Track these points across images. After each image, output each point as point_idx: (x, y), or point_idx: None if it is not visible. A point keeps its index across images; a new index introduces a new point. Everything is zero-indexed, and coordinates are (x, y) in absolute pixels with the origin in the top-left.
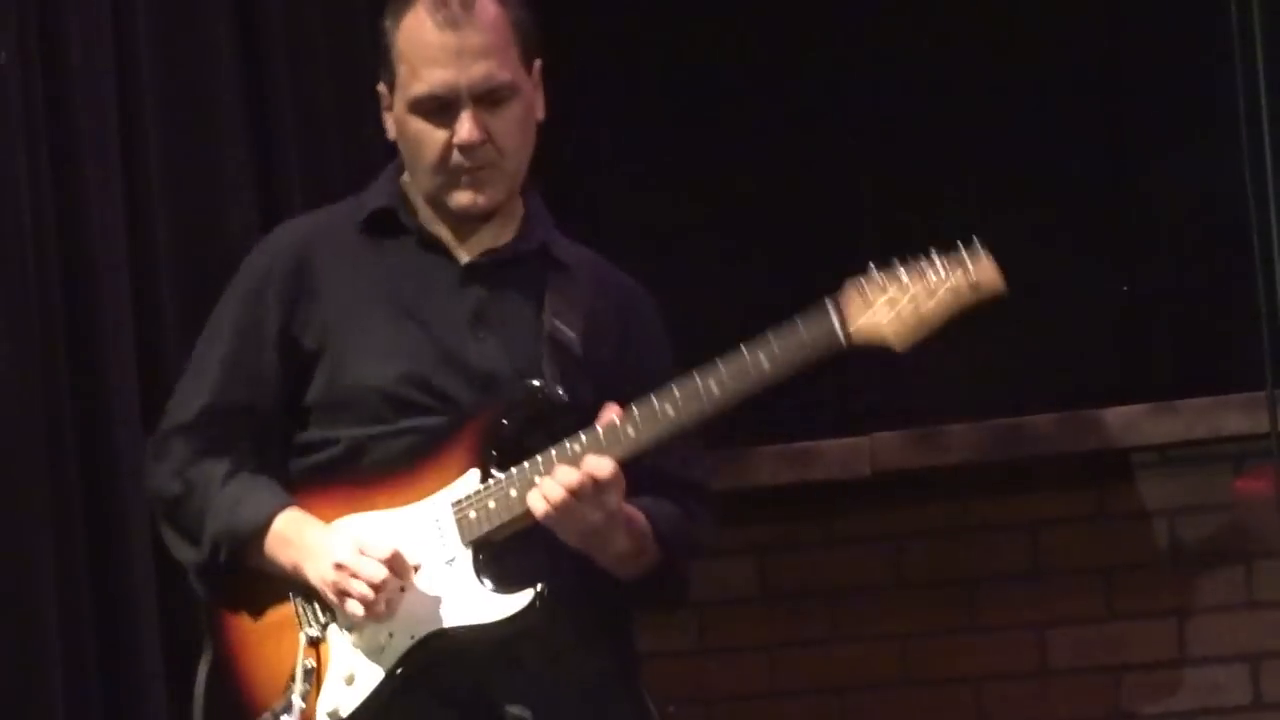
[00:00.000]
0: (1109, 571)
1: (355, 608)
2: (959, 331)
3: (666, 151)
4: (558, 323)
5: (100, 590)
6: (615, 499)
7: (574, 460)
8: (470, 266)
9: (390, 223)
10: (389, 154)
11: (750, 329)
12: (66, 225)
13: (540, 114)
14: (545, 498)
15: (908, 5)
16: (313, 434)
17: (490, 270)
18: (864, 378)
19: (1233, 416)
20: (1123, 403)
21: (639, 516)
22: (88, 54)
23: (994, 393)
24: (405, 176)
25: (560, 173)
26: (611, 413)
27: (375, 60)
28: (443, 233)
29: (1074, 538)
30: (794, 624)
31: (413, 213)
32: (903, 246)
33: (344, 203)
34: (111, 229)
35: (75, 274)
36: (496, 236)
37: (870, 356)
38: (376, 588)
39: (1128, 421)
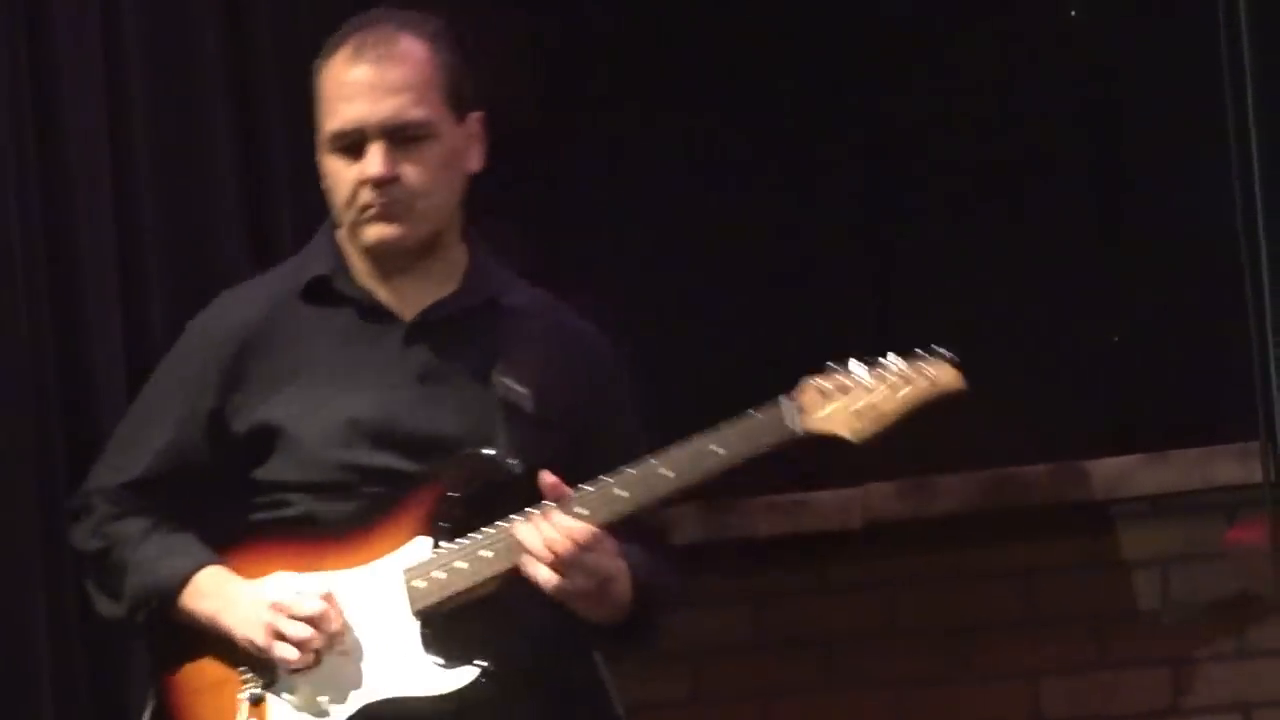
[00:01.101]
0: (1102, 621)
1: (287, 651)
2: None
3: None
4: (509, 381)
5: (90, 610)
6: (602, 562)
7: (554, 524)
8: (414, 326)
9: (329, 289)
10: None
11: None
12: (56, 255)
13: (474, 165)
14: (535, 547)
15: (887, 52)
16: (265, 495)
17: (435, 328)
18: None
19: (1225, 466)
20: (1115, 453)
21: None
22: (79, 84)
23: (986, 443)
24: (340, 231)
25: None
26: (554, 485)
27: None
28: (382, 292)
29: (1067, 587)
30: (788, 672)
31: (350, 273)
32: (889, 298)
33: (287, 265)
34: (102, 259)
35: (64, 304)
36: (440, 287)
37: None
38: (312, 622)
39: (1120, 472)
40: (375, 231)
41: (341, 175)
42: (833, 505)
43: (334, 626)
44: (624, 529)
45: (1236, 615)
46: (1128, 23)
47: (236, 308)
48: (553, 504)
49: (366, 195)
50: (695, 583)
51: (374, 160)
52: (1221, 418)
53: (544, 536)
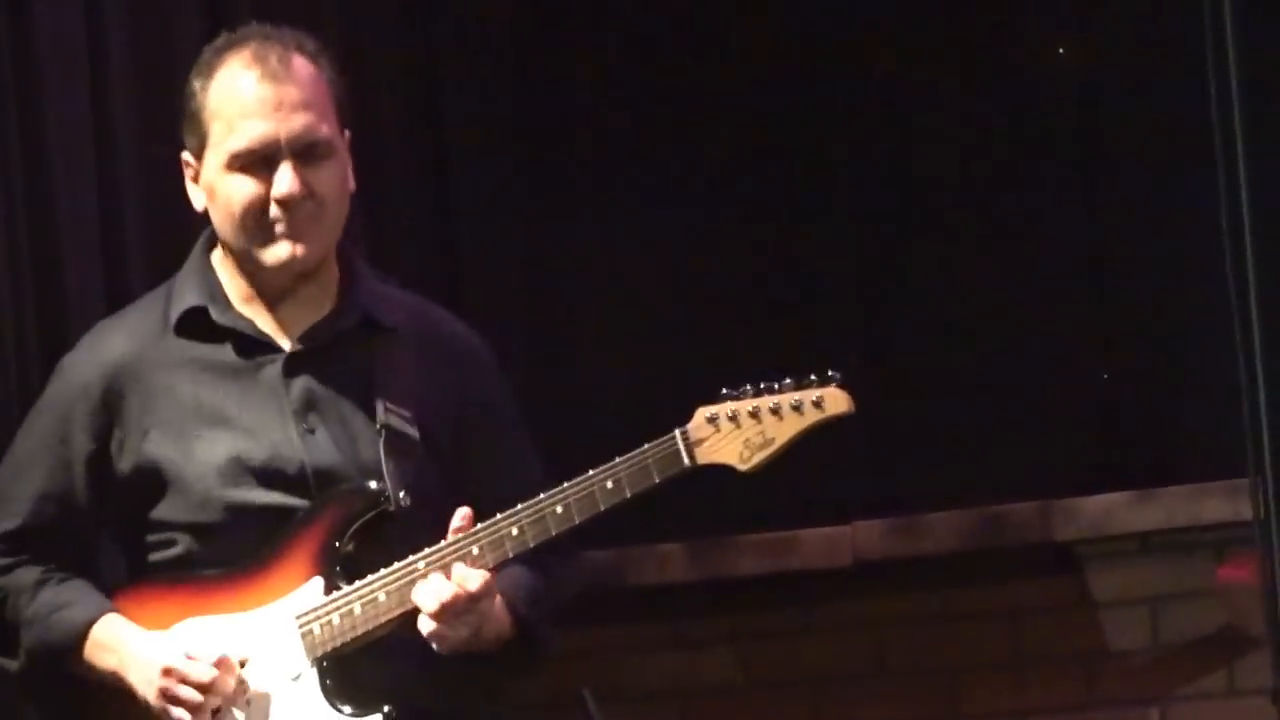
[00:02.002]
0: (1090, 659)
1: (182, 715)
2: (940, 421)
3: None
4: (390, 404)
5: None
6: (489, 605)
7: (444, 571)
8: (293, 356)
9: (205, 322)
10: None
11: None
12: (40, 258)
13: (351, 184)
14: (432, 611)
15: (877, 87)
16: (153, 535)
17: (314, 356)
18: (845, 467)
19: (1213, 504)
20: (1103, 491)
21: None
22: (60, 81)
23: (974, 481)
24: (215, 253)
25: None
26: (461, 520)
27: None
28: (260, 319)
29: (1055, 626)
30: (775, 713)
31: (225, 301)
32: (876, 336)
33: (157, 293)
34: (87, 263)
35: (49, 308)
36: (316, 309)
37: (851, 445)
38: (205, 689)
39: (1108, 510)
40: (283, 250)
41: (244, 193)
42: (821, 543)
43: (229, 688)
44: None
45: (1225, 654)
46: (1115, 61)
47: (106, 344)
48: (451, 546)
49: (274, 213)
50: (682, 623)
51: (287, 178)
52: (1210, 455)
53: (439, 597)
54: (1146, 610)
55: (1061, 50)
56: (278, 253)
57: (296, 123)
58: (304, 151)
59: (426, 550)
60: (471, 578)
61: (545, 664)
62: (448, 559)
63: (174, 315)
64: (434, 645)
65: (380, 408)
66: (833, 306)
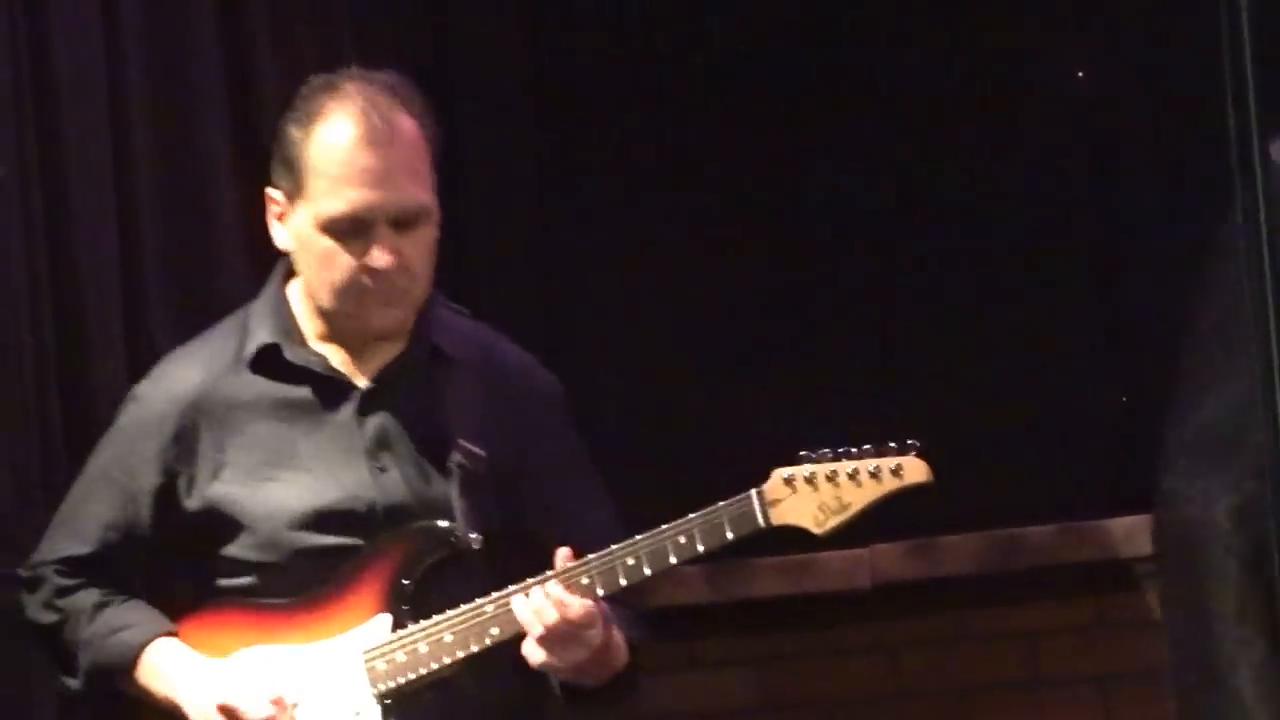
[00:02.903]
0: (1108, 682)
1: None
2: (958, 443)
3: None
4: (461, 441)
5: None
6: (596, 636)
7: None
8: (367, 394)
9: (279, 359)
10: None
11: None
12: (58, 275)
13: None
14: (538, 634)
15: (891, 115)
16: (222, 562)
17: (387, 393)
18: None
19: None
20: (1122, 513)
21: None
22: (78, 94)
23: (993, 504)
24: (292, 285)
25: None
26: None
27: None
28: (334, 355)
29: (1073, 648)
30: None
31: (300, 338)
32: (893, 359)
33: (231, 326)
34: (105, 279)
35: (67, 323)
36: (391, 345)
37: None
38: None
39: (1127, 532)
40: (374, 318)
41: (337, 260)
42: (839, 566)
43: None
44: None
45: None
46: (1133, 88)
47: (179, 377)
48: (519, 590)
49: (367, 281)
50: (700, 645)
51: (384, 250)
52: None
53: (544, 619)
54: (1163, 633)
55: (1080, 74)
56: (368, 319)
57: (398, 194)
58: (401, 221)
59: (494, 594)
60: (572, 604)
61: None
62: (509, 607)
63: (248, 352)
64: (535, 662)
65: (452, 445)
66: (848, 329)
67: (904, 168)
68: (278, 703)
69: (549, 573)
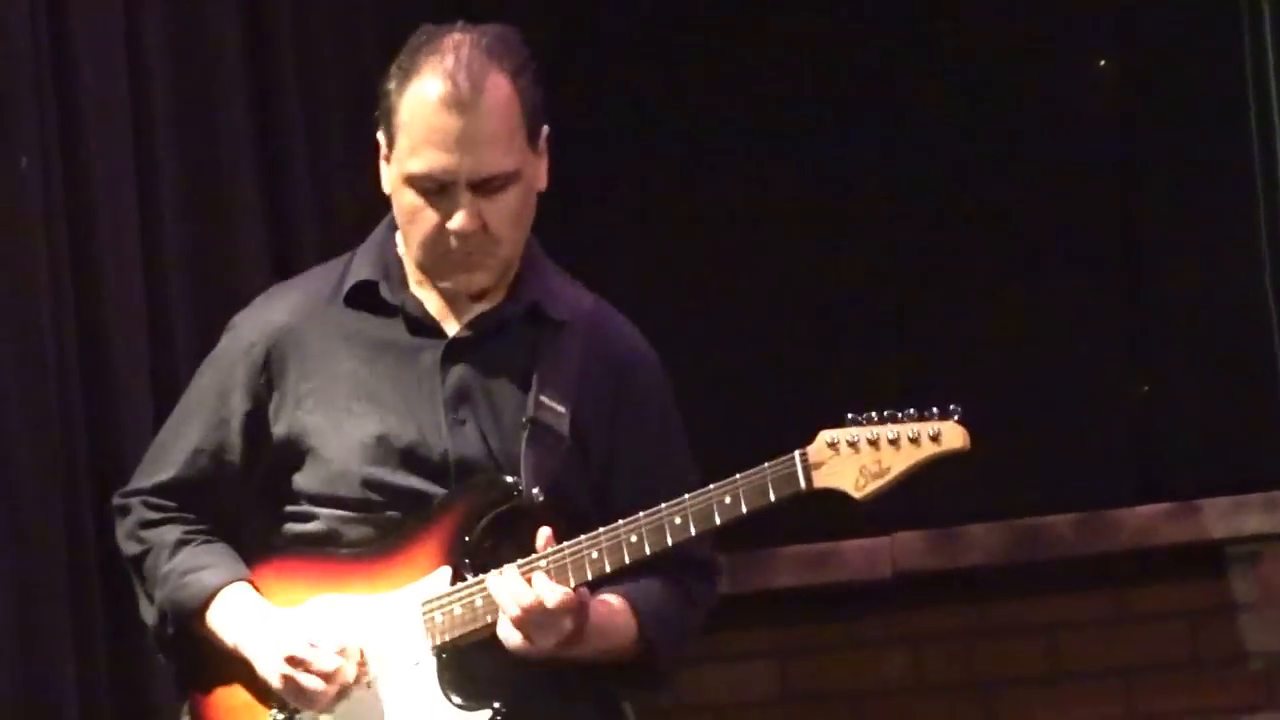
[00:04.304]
0: (1128, 673)
1: (302, 703)
2: (979, 433)
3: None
4: (544, 398)
5: (112, 621)
6: (569, 624)
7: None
8: (454, 343)
9: (375, 297)
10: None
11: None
12: (79, 265)
13: (542, 184)
14: (513, 615)
15: (918, 101)
16: (294, 507)
17: (476, 343)
18: None
19: (1252, 516)
20: (1142, 504)
21: (618, 612)
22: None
23: (1013, 494)
24: (400, 234)
25: None
26: (543, 540)
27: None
28: (431, 301)
29: (1093, 640)
30: None
31: (401, 279)
32: (913, 348)
33: (337, 263)
34: (126, 276)
35: (90, 326)
36: (489, 297)
37: None
38: (328, 678)
39: (1147, 523)
40: (454, 278)
41: (421, 216)
42: (860, 556)
43: (350, 677)
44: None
45: (1266, 668)
46: (1156, 75)
47: (275, 307)
48: (572, 548)
49: (450, 242)
50: (720, 637)
51: (463, 212)
52: (1249, 467)
53: (519, 601)
54: (1185, 624)
55: (1102, 63)
56: (449, 278)
57: (479, 159)
58: (482, 185)
59: (550, 549)
60: (550, 592)
61: (666, 684)
62: (566, 560)
63: (346, 285)
64: (508, 647)
65: (532, 401)
66: (870, 322)
67: (927, 155)
68: (343, 653)
69: (599, 533)
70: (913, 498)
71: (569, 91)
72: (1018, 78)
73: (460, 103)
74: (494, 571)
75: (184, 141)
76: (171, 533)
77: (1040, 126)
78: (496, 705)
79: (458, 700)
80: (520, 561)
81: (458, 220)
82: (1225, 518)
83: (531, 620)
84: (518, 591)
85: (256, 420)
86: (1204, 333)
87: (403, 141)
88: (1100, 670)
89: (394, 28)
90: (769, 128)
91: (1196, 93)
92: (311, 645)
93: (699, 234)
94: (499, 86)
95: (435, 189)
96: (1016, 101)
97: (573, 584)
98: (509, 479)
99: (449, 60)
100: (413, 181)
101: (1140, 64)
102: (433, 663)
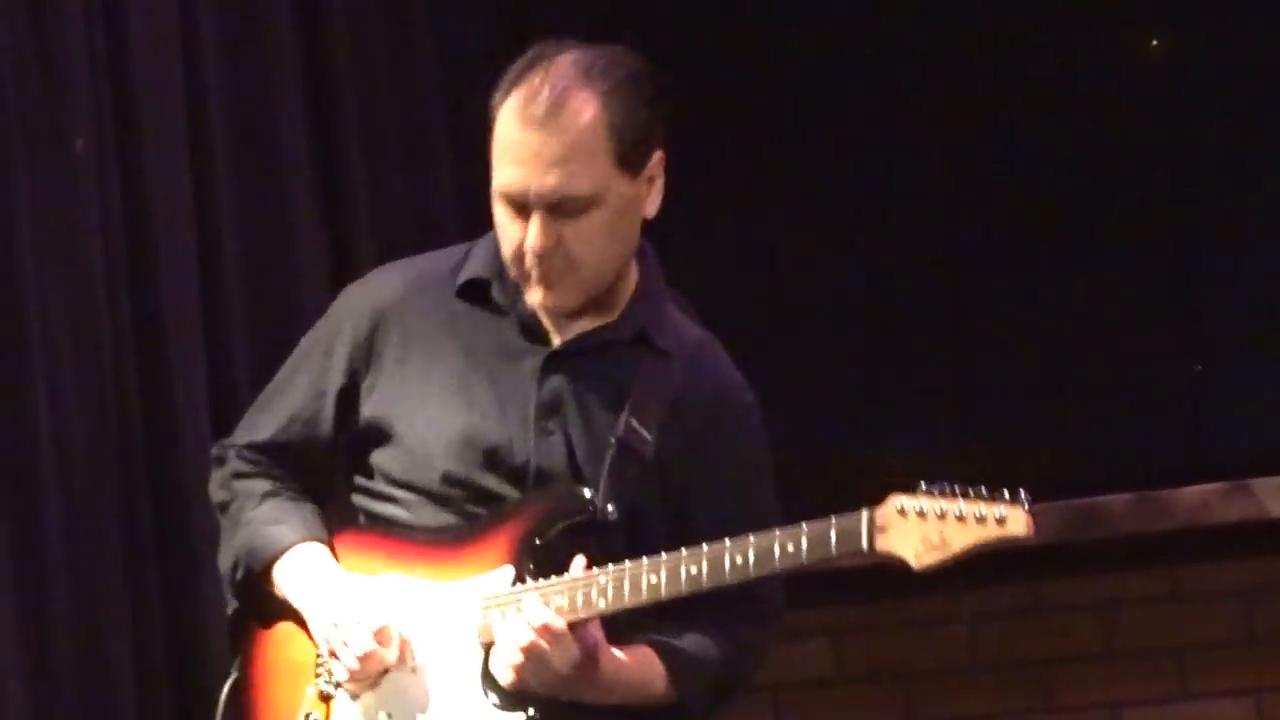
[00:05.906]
0: (1183, 652)
1: (340, 671)
2: (1033, 412)
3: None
4: (634, 422)
5: (171, 610)
6: (562, 665)
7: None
8: (556, 354)
9: (487, 295)
10: (454, 188)
11: None
12: (138, 272)
13: (650, 210)
14: (504, 655)
15: (967, 86)
16: (376, 484)
17: (577, 358)
18: (938, 458)
19: None
20: (1197, 482)
21: (646, 664)
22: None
23: (1068, 473)
24: None
25: None
26: (582, 564)
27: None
28: (540, 310)
29: (1148, 618)
30: (869, 706)
31: (514, 284)
32: (969, 326)
33: (457, 249)
34: (182, 276)
35: (146, 318)
36: (598, 316)
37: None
38: (361, 659)
39: (1202, 501)
40: (534, 295)
41: (506, 229)
42: None
43: (389, 660)
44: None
45: None
46: (1208, 57)
47: (386, 283)
48: (630, 569)
49: (527, 260)
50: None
51: (534, 231)
52: None
53: (517, 641)
54: (1240, 603)
55: (1155, 43)
56: (531, 298)
57: (547, 180)
58: (553, 207)
59: (612, 567)
60: (551, 622)
61: None
62: (624, 580)
63: (461, 278)
64: (503, 680)
65: (622, 423)
66: (922, 301)
67: (973, 142)
68: (381, 635)
69: (661, 558)
70: (967, 477)
71: None
72: (1068, 60)
73: (535, 119)
74: (598, 573)
75: (235, 113)
76: (260, 485)
77: (1090, 110)
78: (531, 712)
79: (495, 699)
80: (596, 571)
81: (530, 239)
82: (1279, 496)
83: (530, 656)
84: (519, 634)
85: (350, 395)
86: (1256, 312)
87: (494, 154)
88: (1154, 649)
89: (445, 23)
90: (824, 118)
91: (1248, 73)
92: (353, 621)
93: (758, 235)
94: (584, 106)
95: (517, 204)
96: (1066, 86)
97: (609, 607)
98: (587, 493)
99: (539, 76)
100: (497, 195)
101: (1192, 44)
102: (479, 657)
